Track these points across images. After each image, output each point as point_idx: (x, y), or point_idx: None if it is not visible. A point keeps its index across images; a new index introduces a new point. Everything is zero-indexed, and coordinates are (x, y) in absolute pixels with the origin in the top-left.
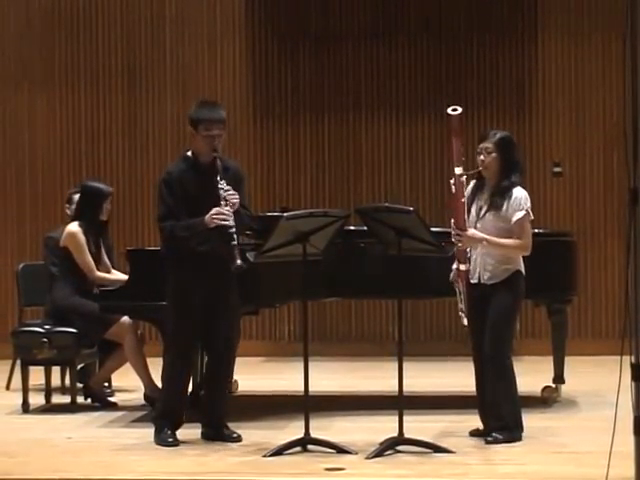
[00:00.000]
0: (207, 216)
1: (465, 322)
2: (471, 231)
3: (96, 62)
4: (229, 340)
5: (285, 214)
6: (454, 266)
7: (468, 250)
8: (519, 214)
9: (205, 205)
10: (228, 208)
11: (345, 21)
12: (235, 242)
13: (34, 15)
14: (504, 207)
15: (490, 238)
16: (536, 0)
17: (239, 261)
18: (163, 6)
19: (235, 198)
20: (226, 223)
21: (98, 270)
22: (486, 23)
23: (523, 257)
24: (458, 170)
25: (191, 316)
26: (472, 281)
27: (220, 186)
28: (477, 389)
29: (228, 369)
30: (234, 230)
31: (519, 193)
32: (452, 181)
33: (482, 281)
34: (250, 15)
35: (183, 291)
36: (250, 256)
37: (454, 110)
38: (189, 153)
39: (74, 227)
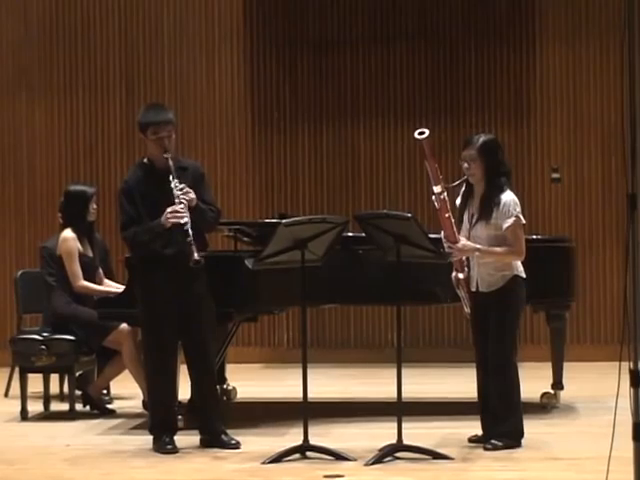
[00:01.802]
0: (163, 216)
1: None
2: (462, 242)
3: (94, 71)
4: (206, 343)
5: (284, 221)
6: (453, 274)
7: (464, 259)
8: (509, 221)
9: (165, 208)
10: (182, 206)
11: (343, 28)
12: (190, 238)
13: (32, 24)
14: (493, 215)
15: (482, 248)
16: (534, 7)
17: (196, 255)
18: (161, 14)
19: (189, 195)
20: (180, 221)
21: (93, 277)
22: (484, 29)
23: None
24: (437, 189)
25: (164, 322)
26: (471, 289)
27: (173, 185)
28: (479, 395)
29: (211, 374)
30: (188, 227)
31: (507, 198)
32: (433, 198)
33: (480, 289)
34: (248, 23)
35: (153, 298)
36: (249, 263)
37: (421, 134)
38: (145, 160)
39: (68, 234)
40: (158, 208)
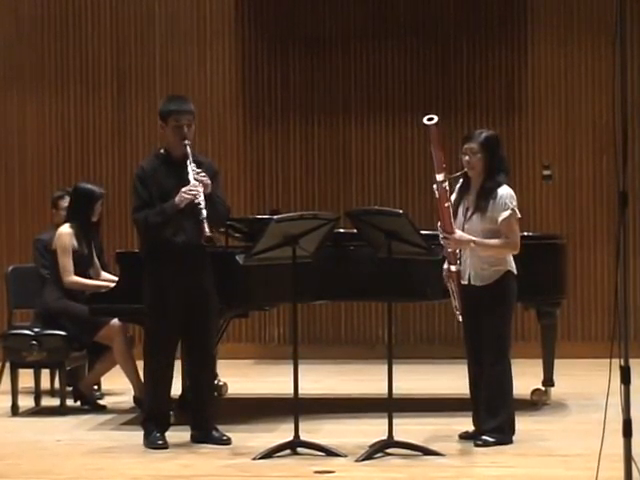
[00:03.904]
0: (177, 197)
1: (460, 319)
2: (458, 234)
3: (86, 65)
4: (209, 339)
5: (275, 217)
6: (445, 266)
7: (458, 251)
8: (505, 214)
9: None
10: (197, 187)
11: (335, 23)
12: (203, 216)
13: (23, 19)
14: (489, 208)
15: (477, 240)
16: (526, 4)
17: (207, 231)
18: (152, 8)
19: (205, 178)
20: (195, 199)
21: (89, 273)
22: (476, 26)
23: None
24: (440, 177)
25: (169, 315)
26: (463, 282)
27: (190, 169)
28: (471, 390)
29: (210, 369)
30: (203, 205)
31: (504, 192)
32: (435, 187)
33: (472, 282)
34: (240, 17)
35: (161, 289)
36: (240, 258)
37: (430, 120)
38: (162, 150)
39: (65, 229)
40: (172, 196)
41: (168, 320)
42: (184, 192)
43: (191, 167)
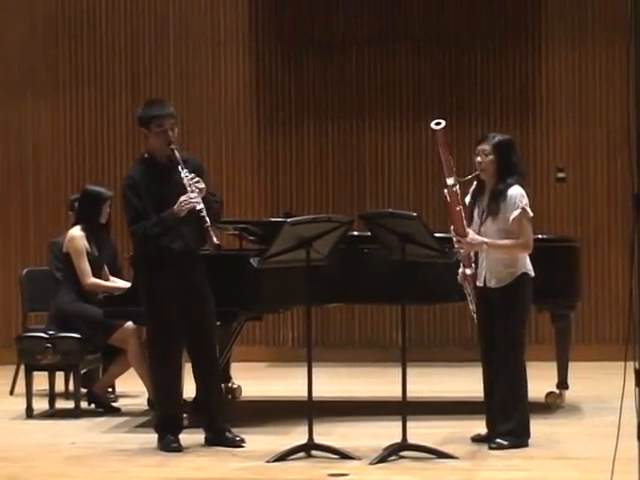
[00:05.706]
0: (176, 206)
1: (476, 321)
2: (470, 236)
3: (100, 69)
4: (211, 340)
5: (289, 220)
6: (460, 270)
7: (472, 254)
8: (515, 213)
9: (172, 201)
10: (195, 194)
11: (349, 28)
12: (208, 224)
13: (38, 22)
14: (500, 210)
15: (490, 241)
16: (540, 7)
17: (215, 240)
18: (167, 13)
19: (201, 184)
20: (197, 207)
21: (98, 275)
22: (490, 30)
23: None
24: (450, 181)
25: (171, 321)
26: (478, 284)
27: (184, 175)
28: (485, 393)
29: (217, 370)
30: (205, 213)
31: (514, 191)
32: (446, 191)
33: (488, 285)
34: (254, 22)
35: (159, 294)
36: (254, 261)
37: (438, 124)
38: (146, 155)
39: (76, 232)
40: (163, 202)
41: (168, 326)
42: (183, 202)
43: (184, 173)
